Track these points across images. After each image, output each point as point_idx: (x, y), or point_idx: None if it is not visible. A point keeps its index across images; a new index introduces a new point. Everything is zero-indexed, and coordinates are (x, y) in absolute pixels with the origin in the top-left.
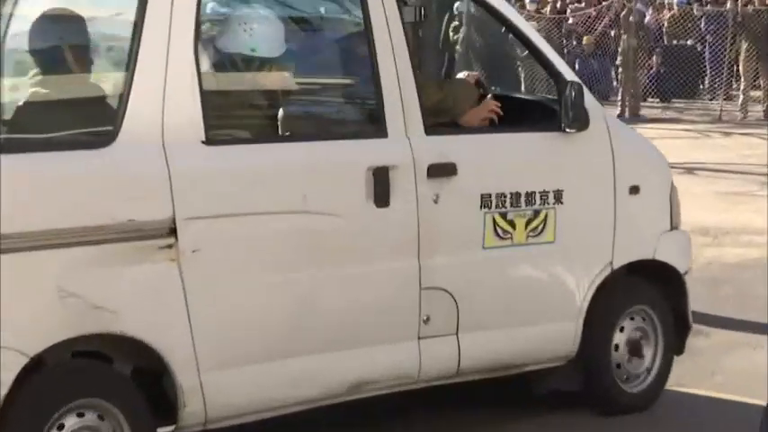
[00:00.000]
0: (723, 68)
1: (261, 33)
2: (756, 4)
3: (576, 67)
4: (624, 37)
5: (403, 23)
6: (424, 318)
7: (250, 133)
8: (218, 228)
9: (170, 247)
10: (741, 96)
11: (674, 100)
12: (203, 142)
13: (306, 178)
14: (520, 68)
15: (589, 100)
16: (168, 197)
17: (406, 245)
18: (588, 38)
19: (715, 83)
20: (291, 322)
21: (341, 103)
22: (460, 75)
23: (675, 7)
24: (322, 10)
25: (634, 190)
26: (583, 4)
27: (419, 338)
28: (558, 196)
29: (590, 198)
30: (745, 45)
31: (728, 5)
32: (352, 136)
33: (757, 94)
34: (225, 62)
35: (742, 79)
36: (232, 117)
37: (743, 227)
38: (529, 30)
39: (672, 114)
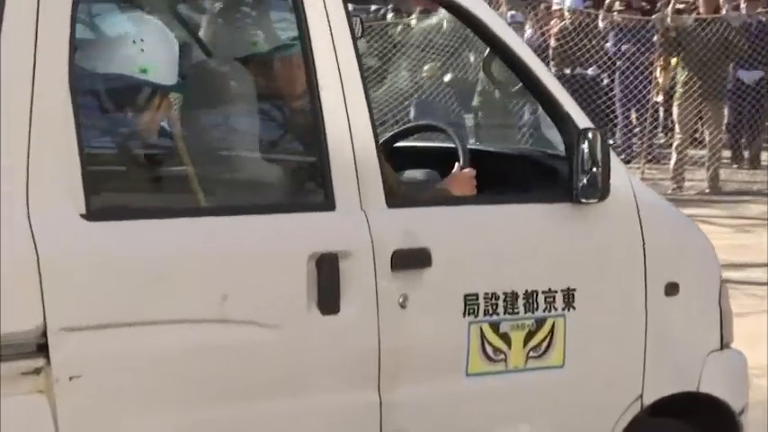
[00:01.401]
0: (644, 112)
1: (157, 51)
2: (702, 10)
3: (412, 113)
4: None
5: (354, 44)
6: None
7: (148, 203)
8: (106, 343)
9: (38, 371)
10: (674, 156)
11: None
12: (84, 216)
13: (225, 271)
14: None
15: (611, 157)
16: (36, 297)
17: (363, 370)
18: (431, 65)
19: (630, 134)
20: None
21: (269, 160)
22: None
23: (567, 14)
24: (242, 31)
25: (672, 289)
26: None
27: None
28: (569, 298)
29: (612, 300)
30: (682, 75)
31: (656, 13)
32: (285, 209)
33: (700, 153)
34: (105, 91)
35: (676, 129)
36: (123, 178)
37: None
38: (527, 55)
39: None
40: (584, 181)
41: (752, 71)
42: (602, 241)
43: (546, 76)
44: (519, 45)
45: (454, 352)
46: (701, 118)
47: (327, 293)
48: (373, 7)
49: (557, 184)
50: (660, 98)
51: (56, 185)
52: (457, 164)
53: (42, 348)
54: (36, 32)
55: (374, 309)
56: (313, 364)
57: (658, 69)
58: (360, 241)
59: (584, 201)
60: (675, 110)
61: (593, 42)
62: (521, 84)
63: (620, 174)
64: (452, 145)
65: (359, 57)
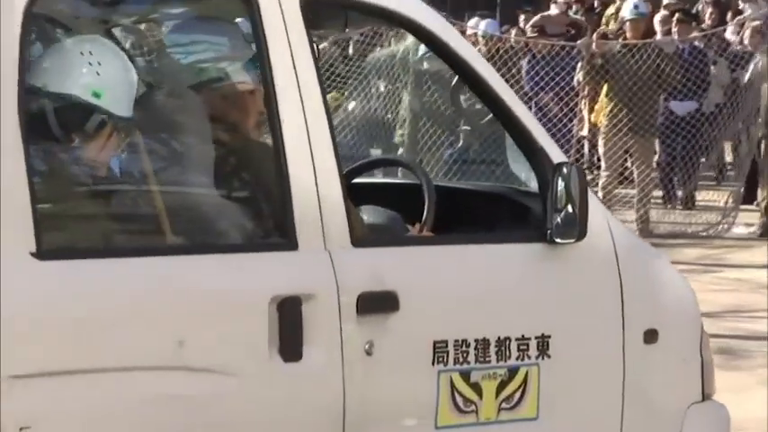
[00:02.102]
0: (569, 148)
1: (112, 73)
2: (629, 35)
3: None
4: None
5: (318, 72)
6: None
7: (102, 241)
8: (58, 392)
9: None
10: (600, 196)
11: None
12: (34, 255)
13: (182, 315)
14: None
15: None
16: None
17: (327, 421)
18: (333, 95)
19: None
20: None
21: (228, 197)
22: None
23: (481, 39)
24: (200, 60)
25: (651, 337)
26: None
27: None
28: (543, 345)
29: (588, 348)
30: (609, 106)
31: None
32: (245, 248)
33: (629, 193)
34: (55, 116)
35: (602, 166)
36: (76, 215)
37: None
38: (499, 84)
39: None
40: (559, 220)
41: (685, 102)
42: (578, 285)
43: (518, 107)
44: (490, 74)
45: (423, 403)
46: (630, 154)
47: (289, 339)
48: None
49: (530, 223)
50: (585, 132)
51: (4, 222)
52: (417, 224)
53: None
54: None
55: (339, 356)
56: (274, 414)
57: (582, 101)
58: (324, 283)
59: (559, 241)
60: (601, 145)
61: (513, 71)
62: (491, 115)
63: (596, 212)
64: (412, 181)
65: (323, 87)
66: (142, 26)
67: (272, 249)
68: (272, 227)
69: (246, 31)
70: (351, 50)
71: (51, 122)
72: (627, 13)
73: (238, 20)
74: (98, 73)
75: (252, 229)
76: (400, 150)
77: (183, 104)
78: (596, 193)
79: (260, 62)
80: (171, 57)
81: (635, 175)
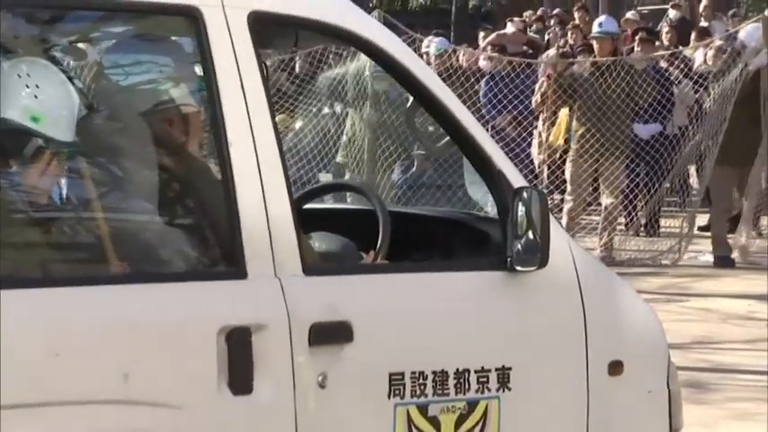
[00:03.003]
0: (528, 173)
1: (52, 98)
2: (596, 53)
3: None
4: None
5: (267, 94)
6: None
7: (42, 270)
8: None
9: None
10: (564, 221)
11: None
12: None
13: (127, 346)
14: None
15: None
16: None
17: None
18: (280, 117)
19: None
20: None
21: (173, 224)
22: None
23: (433, 58)
24: (142, 82)
25: (615, 368)
26: None
27: None
28: (504, 378)
29: (550, 381)
30: (580, 130)
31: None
32: (191, 277)
33: (593, 219)
34: None
35: (568, 190)
36: (14, 243)
37: None
38: (455, 106)
39: None
40: (520, 246)
41: (649, 125)
42: (540, 315)
43: (476, 129)
44: (446, 95)
45: None
46: (597, 179)
47: (239, 371)
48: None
49: (489, 250)
50: (542, 156)
51: None
52: (372, 251)
53: None
54: None
55: (290, 388)
56: None
57: (541, 122)
58: (274, 313)
59: (519, 269)
60: (568, 168)
61: (471, 92)
62: (448, 138)
63: (558, 239)
64: (365, 207)
65: (272, 108)
66: (81, 45)
67: (220, 278)
68: (220, 254)
69: (192, 51)
70: (297, 69)
71: None
72: (593, 31)
73: (183, 38)
74: (36, 96)
75: (198, 256)
76: (347, 174)
77: (126, 128)
78: (559, 219)
79: (206, 82)
80: (111, 78)
81: (603, 200)
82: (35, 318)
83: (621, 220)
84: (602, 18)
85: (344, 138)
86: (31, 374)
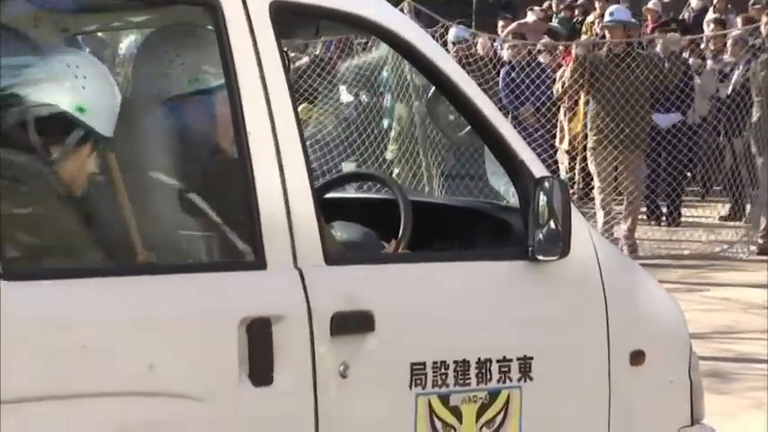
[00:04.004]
0: (551, 164)
1: (97, 91)
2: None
3: None
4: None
5: (288, 82)
6: None
7: (71, 262)
8: (22, 420)
9: None
10: (600, 214)
11: None
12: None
13: (152, 338)
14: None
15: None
16: None
17: None
18: (305, 106)
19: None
20: None
21: (192, 213)
22: None
23: (451, 46)
24: (164, 72)
25: (637, 358)
26: None
27: None
28: (525, 367)
29: (572, 370)
30: (597, 122)
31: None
32: (212, 268)
33: (617, 210)
34: (33, 125)
35: (596, 183)
36: (43, 234)
37: None
38: (477, 95)
39: None
40: (541, 236)
41: (669, 114)
42: (561, 304)
43: (497, 119)
44: (466, 82)
45: (400, 427)
46: (618, 169)
47: (259, 362)
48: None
49: (511, 239)
50: (566, 145)
51: None
52: (393, 241)
53: None
54: None
55: (311, 378)
56: None
57: (562, 113)
58: (295, 303)
59: (541, 258)
60: (592, 162)
61: (492, 83)
62: (469, 127)
63: (580, 228)
64: (387, 196)
65: (293, 97)
66: (105, 35)
67: (241, 268)
68: (241, 245)
69: (213, 41)
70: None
71: (30, 132)
72: (605, 20)
73: (205, 28)
74: (84, 87)
75: (220, 247)
76: (398, 170)
77: (154, 120)
78: (589, 209)
79: (227, 72)
80: (139, 70)
81: (624, 191)
82: (63, 310)
83: (642, 209)
84: (613, 7)
85: (393, 133)
86: (59, 367)
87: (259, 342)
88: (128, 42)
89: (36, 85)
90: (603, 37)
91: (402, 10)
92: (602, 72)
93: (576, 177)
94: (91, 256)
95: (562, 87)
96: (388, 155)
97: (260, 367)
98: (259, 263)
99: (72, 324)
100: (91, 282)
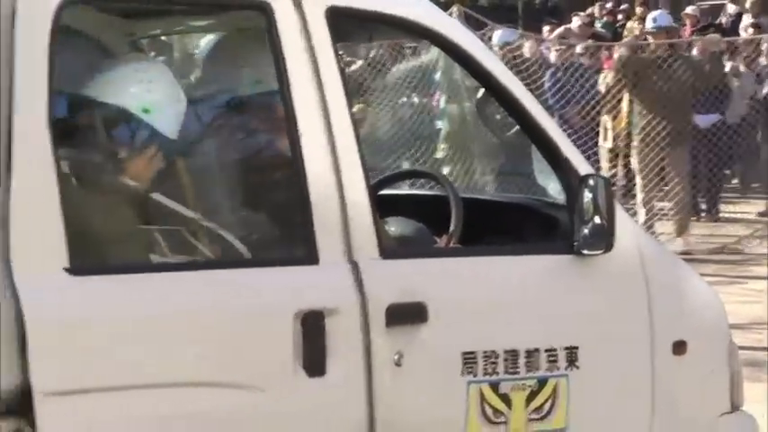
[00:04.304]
0: (596, 161)
1: (162, 93)
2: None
3: None
4: None
5: (343, 82)
6: None
7: (133, 257)
8: (90, 408)
9: None
10: (642, 212)
11: None
12: (67, 270)
13: (211, 331)
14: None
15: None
16: (20, 356)
17: None
18: (361, 106)
19: None
20: None
21: (255, 210)
22: None
23: (496, 49)
24: (222, 75)
25: (679, 348)
26: None
27: None
28: (572, 357)
29: (617, 359)
30: (642, 122)
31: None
32: (271, 262)
33: (658, 207)
34: (101, 125)
35: (638, 182)
36: (107, 230)
37: None
38: (523, 95)
39: None
40: (587, 231)
41: (708, 116)
42: (606, 296)
43: (544, 119)
44: (513, 83)
45: (452, 413)
46: (659, 166)
47: (312, 353)
48: None
49: (557, 234)
50: (610, 144)
51: (38, 237)
52: (444, 236)
53: (24, 412)
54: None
55: (367, 367)
56: (303, 430)
57: (606, 112)
58: (351, 295)
59: (586, 252)
60: (636, 161)
61: (539, 83)
62: (517, 127)
63: (623, 223)
64: (439, 193)
65: (348, 97)
66: (165, 39)
67: (297, 263)
68: (299, 240)
69: (272, 44)
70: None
71: (99, 133)
72: (647, 26)
73: (264, 32)
74: (149, 90)
75: (278, 242)
76: (448, 168)
77: (214, 121)
78: (632, 205)
79: (285, 75)
80: (201, 73)
81: (671, 187)
82: (125, 303)
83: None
84: (655, 13)
85: (443, 133)
86: (121, 358)
87: (311, 333)
88: (192, 45)
89: (104, 88)
90: (645, 39)
91: (452, 14)
92: (645, 73)
93: (619, 174)
94: (153, 252)
95: (606, 87)
96: (439, 154)
97: (313, 358)
98: (315, 257)
99: (134, 317)
100: (152, 276)
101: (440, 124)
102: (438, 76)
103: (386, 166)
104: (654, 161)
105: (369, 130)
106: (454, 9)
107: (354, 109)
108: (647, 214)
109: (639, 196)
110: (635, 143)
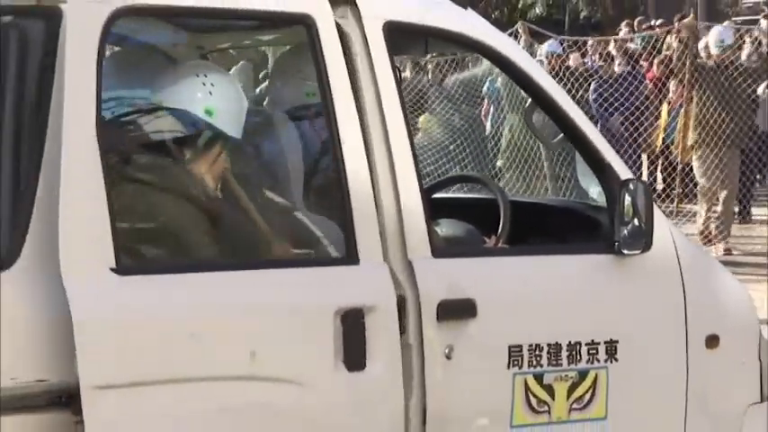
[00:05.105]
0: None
1: (224, 96)
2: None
3: None
4: None
5: (400, 93)
6: None
7: (180, 256)
8: (137, 401)
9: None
10: (702, 215)
11: None
12: (114, 270)
13: (254, 327)
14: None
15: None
16: (69, 352)
17: (415, 423)
18: (426, 117)
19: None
20: None
21: (318, 212)
22: None
23: (545, 59)
24: (282, 84)
25: (712, 342)
26: None
27: None
28: (612, 350)
29: (654, 352)
30: (698, 129)
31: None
32: (316, 262)
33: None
34: (161, 132)
35: (701, 184)
36: (151, 230)
37: None
38: (566, 103)
39: None
40: (626, 232)
41: None
42: (644, 293)
43: (586, 124)
44: (558, 93)
45: (499, 404)
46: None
47: (352, 349)
48: None
49: (598, 235)
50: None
51: (85, 238)
52: (493, 236)
53: (65, 406)
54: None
55: (420, 359)
56: (338, 423)
57: (664, 111)
58: (382, 293)
59: (626, 252)
60: (696, 163)
61: (582, 92)
62: (561, 134)
63: (661, 225)
64: (488, 196)
65: (404, 107)
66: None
67: (344, 263)
68: (360, 241)
69: (333, 57)
70: (430, 74)
71: (165, 135)
72: (713, 48)
73: (324, 46)
74: (211, 93)
75: (340, 243)
76: (507, 177)
77: (272, 126)
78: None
79: (345, 86)
80: (271, 83)
81: (721, 190)
82: (172, 301)
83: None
84: (719, 32)
85: (503, 142)
86: (170, 353)
87: (352, 330)
88: (253, 58)
89: (169, 93)
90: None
91: (518, 30)
92: (704, 78)
93: (658, 178)
94: (208, 251)
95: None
96: (499, 162)
97: (353, 353)
98: (350, 257)
99: (181, 314)
100: (201, 276)
101: (499, 133)
102: (498, 85)
103: (444, 172)
104: (713, 161)
105: (435, 139)
106: (519, 25)
107: (420, 119)
108: (706, 214)
109: (700, 195)
110: (696, 146)
